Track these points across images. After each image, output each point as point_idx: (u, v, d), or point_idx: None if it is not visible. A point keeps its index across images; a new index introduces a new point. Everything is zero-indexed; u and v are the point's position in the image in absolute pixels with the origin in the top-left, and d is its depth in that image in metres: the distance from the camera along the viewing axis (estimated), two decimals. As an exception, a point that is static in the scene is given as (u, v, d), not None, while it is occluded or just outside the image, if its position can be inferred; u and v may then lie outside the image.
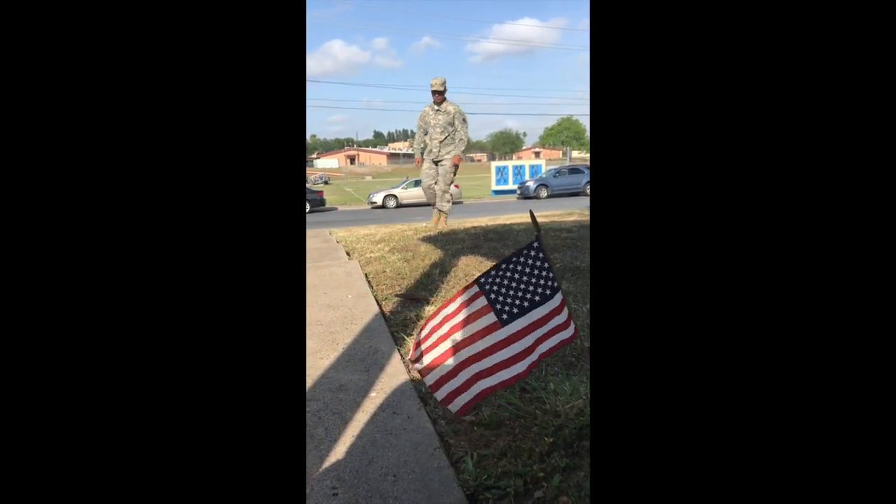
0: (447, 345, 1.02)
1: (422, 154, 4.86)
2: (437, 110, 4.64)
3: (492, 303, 1.02)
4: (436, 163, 4.74)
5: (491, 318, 1.03)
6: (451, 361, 1.02)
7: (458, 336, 1.03)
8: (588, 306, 1.95)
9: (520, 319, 1.06)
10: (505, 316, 1.04)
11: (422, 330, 1.04)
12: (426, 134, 4.81)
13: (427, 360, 1.02)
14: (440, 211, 4.86)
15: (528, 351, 1.08)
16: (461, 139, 4.70)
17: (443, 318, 1.03)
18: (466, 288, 1.02)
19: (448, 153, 4.70)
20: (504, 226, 4.30)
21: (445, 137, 4.66)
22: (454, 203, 6.01)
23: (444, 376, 1.01)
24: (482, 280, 1.01)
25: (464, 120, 4.66)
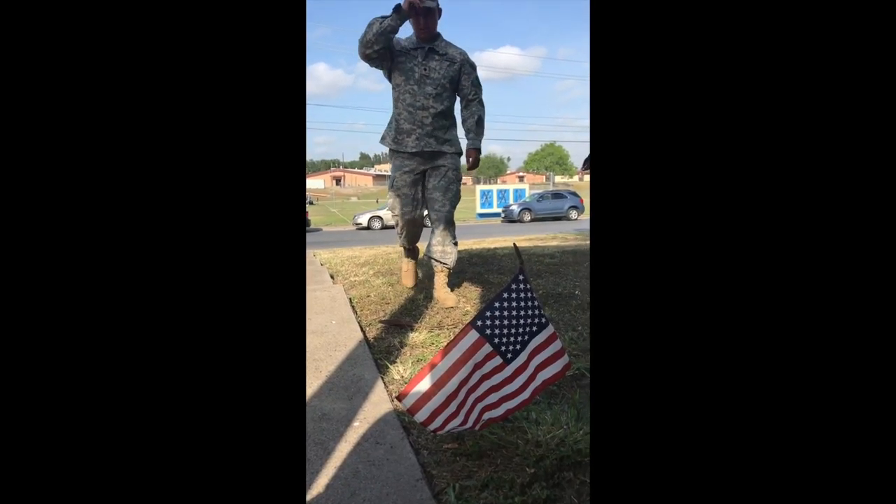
0: (452, 390, 1.00)
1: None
2: (431, 51, 2.12)
3: (496, 347, 1.03)
4: (422, 158, 2.25)
5: (497, 360, 1.04)
6: (453, 405, 1.01)
7: (467, 386, 1.02)
8: (571, 333, 1.98)
9: (522, 353, 1.08)
10: (510, 355, 1.05)
11: (418, 381, 1.01)
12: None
13: (427, 410, 1.00)
14: (441, 263, 2.41)
15: (531, 379, 1.09)
16: (479, 116, 2.27)
17: (446, 372, 1.00)
18: (463, 333, 1.02)
19: (451, 144, 2.26)
20: (488, 250, 4.34)
21: (445, 108, 2.17)
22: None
23: (438, 409, 1.00)
24: (479, 324, 1.02)
25: (478, 82, 2.27)
